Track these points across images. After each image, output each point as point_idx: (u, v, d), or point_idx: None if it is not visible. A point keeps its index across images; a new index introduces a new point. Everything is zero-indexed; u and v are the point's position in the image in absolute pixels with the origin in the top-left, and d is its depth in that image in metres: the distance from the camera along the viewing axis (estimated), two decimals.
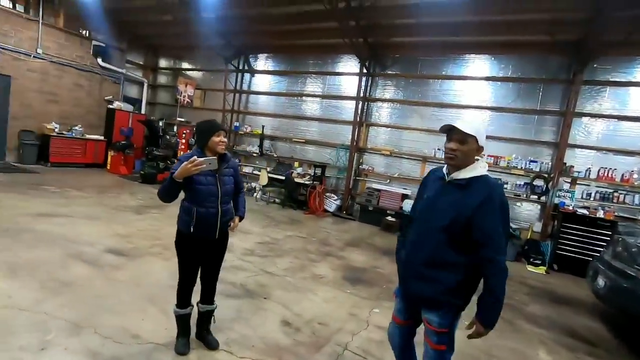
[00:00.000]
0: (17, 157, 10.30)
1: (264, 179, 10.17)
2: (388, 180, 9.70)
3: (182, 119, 12.99)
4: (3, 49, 9.79)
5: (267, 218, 8.14)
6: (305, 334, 3.33)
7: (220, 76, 12.23)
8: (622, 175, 7.34)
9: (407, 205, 8.82)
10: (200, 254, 2.70)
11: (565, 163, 7.75)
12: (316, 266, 5.27)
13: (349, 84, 10.21)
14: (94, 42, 11.80)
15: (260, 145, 11.38)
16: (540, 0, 6.73)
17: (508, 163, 8.25)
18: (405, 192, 9.08)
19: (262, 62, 11.98)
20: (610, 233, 6.64)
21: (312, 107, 11.00)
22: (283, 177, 10.07)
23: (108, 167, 11.51)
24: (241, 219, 2.90)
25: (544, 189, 7.85)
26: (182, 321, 2.79)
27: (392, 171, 9.71)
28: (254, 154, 11.60)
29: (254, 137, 11.70)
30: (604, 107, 7.55)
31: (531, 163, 8.03)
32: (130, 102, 13.07)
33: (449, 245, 1.88)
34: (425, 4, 7.52)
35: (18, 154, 10.32)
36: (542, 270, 7.07)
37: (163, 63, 14.39)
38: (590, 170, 7.59)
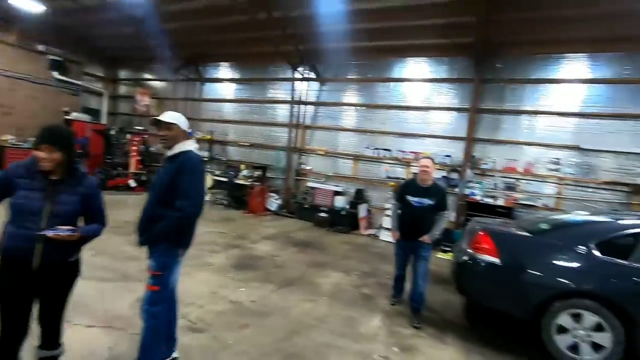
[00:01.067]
0: None
1: (208, 182, 10.64)
2: (324, 179, 10.21)
3: (141, 128, 13.48)
4: None
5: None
6: None
7: (175, 85, 12.77)
8: (523, 164, 7.90)
9: (338, 201, 9.33)
10: (16, 287, 2.08)
11: (474, 156, 8.29)
12: (212, 256, 5.73)
13: (287, 89, 10.73)
14: (50, 57, 12.31)
15: (210, 150, 11.88)
16: (436, 6, 7.34)
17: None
18: (336, 189, 9.57)
19: (212, 71, 12.54)
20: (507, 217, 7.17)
21: (256, 112, 11.54)
22: (227, 179, 10.57)
23: None
24: (81, 238, 2.15)
25: (458, 182, 8.38)
26: None
27: (329, 170, 10.22)
28: (205, 159, 12.08)
29: (205, 142, 12.19)
30: (505, 103, 8.13)
31: (445, 157, 8.56)
32: (90, 113, 13.54)
33: (162, 205, 2.48)
34: (346, 12, 8.03)
35: None
36: (450, 256, 7.54)
37: (123, 74, 14.94)
38: (496, 162, 8.14)
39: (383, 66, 9.57)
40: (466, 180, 8.07)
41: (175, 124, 2.54)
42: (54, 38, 11.87)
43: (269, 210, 10.41)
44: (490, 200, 7.79)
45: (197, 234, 6.67)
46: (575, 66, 7.56)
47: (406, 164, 9.12)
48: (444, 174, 8.55)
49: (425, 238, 4.13)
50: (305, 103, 10.59)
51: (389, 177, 9.24)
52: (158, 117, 2.57)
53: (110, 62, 14.69)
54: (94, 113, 13.79)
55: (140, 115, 13.55)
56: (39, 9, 9.88)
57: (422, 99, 9.07)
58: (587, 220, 4.06)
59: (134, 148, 11.59)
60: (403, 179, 9.03)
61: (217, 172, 11.41)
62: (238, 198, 10.49)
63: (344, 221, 9.08)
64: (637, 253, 3.41)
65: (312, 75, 10.56)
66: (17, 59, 11.54)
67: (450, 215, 8.25)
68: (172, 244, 2.55)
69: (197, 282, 4.62)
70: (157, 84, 13.87)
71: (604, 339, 3.39)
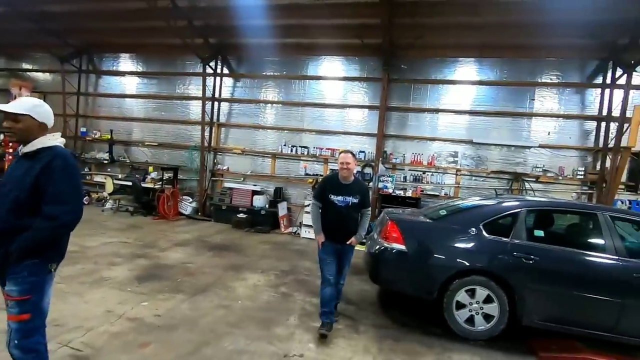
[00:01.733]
0: None
1: (109, 187, 9.49)
2: (243, 178, 9.85)
3: None
4: None
5: (97, 227, 7.57)
6: None
7: (64, 77, 11.02)
8: (427, 158, 8.62)
9: (258, 201, 9.07)
10: None
11: (386, 151, 8.79)
12: (111, 270, 5.06)
13: (198, 84, 10.06)
14: None
15: (110, 151, 10.60)
16: (347, 7, 7.55)
17: None
18: (255, 188, 9.30)
19: (110, 63, 11.17)
20: (415, 207, 7.74)
21: (164, 108, 10.61)
22: (131, 183, 9.53)
23: None
24: None
25: (372, 176, 8.78)
26: None
27: (246, 169, 9.89)
28: (105, 161, 10.74)
29: (104, 142, 10.84)
30: (410, 102, 8.77)
31: (360, 153, 8.90)
32: None
33: (21, 213, 2.01)
34: (258, 7, 7.74)
35: None
36: (365, 247, 7.86)
37: None
38: (405, 157, 8.73)
39: (299, 64, 9.56)
40: (379, 175, 8.50)
41: (25, 114, 2.07)
42: None
43: (182, 214, 9.68)
44: (400, 193, 8.32)
45: (93, 246, 5.91)
46: (466, 69, 8.48)
47: (324, 160, 9.27)
48: (359, 169, 8.89)
49: (353, 241, 3.83)
50: (219, 100, 10.08)
51: (307, 175, 9.30)
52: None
53: None
54: None
55: None
56: None
57: (337, 97, 9.28)
58: (476, 205, 4.52)
59: (11, 151, 9.75)
60: (321, 175, 9.18)
61: (120, 176, 10.24)
62: (146, 203, 9.52)
63: (263, 221, 8.87)
64: (515, 231, 3.89)
65: (226, 70, 10.09)
66: None
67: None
68: (43, 259, 2.09)
69: (88, 301, 4.00)
70: (40, 75, 11.88)
71: (493, 309, 3.81)
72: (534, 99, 8.17)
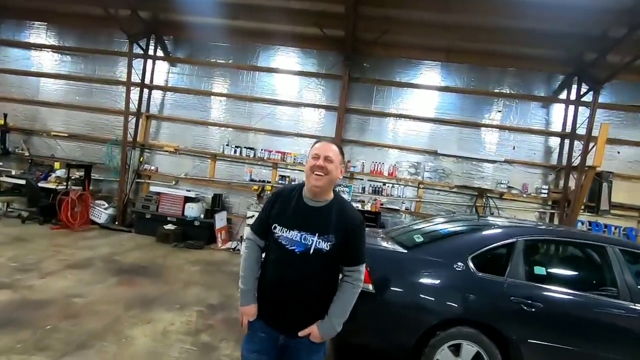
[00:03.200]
0: None
1: None
2: (174, 182, 8.29)
3: None
4: None
5: None
6: None
7: None
8: (389, 168, 7.78)
9: (191, 210, 7.60)
10: None
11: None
12: None
13: (125, 66, 8.33)
14: None
15: (2, 141, 8.43)
16: None
17: (294, 159, 7.89)
18: (188, 194, 7.81)
19: (11, 31, 8.98)
20: (374, 223, 6.83)
21: (78, 92, 8.68)
22: (26, 182, 7.54)
23: None
24: None
25: None
26: None
27: (180, 171, 8.34)
28: None
29: None
30: (372, 104, 7.91)
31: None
32: None
33: None
34: None
35: None
36: None
37: None
38: (364, 165, 7.82)
39: (249, 52, 8.27)
40: (335, 184, 7.46)
41: None
42: None
43: (95, 223, 7.86)
44: (358, 205, 7.36)
45: None
46: (432, 73, 7.82)
47: (273, 165, 8.06)
48: None
49: (314, 333, 1.78)
50: (150, 87, 8.45)
51: (253, 180, 8.01)
52: None
53: None
54: None
55: None
56: None
57: (291, 94, 8.14)
58: (459, 231, 3.60)
59: None
60: (269, 182, 7.97)
61: (14, 172, 8.15)
62: (46, 208, 7.55)
63: (197, 234, 7.42)
64: (511, 268, 3.01)
65: (160, 53, 8.51)
66: None
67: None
68: None
69: None
70: None
71: None
72: (500, 111, 7.71)
